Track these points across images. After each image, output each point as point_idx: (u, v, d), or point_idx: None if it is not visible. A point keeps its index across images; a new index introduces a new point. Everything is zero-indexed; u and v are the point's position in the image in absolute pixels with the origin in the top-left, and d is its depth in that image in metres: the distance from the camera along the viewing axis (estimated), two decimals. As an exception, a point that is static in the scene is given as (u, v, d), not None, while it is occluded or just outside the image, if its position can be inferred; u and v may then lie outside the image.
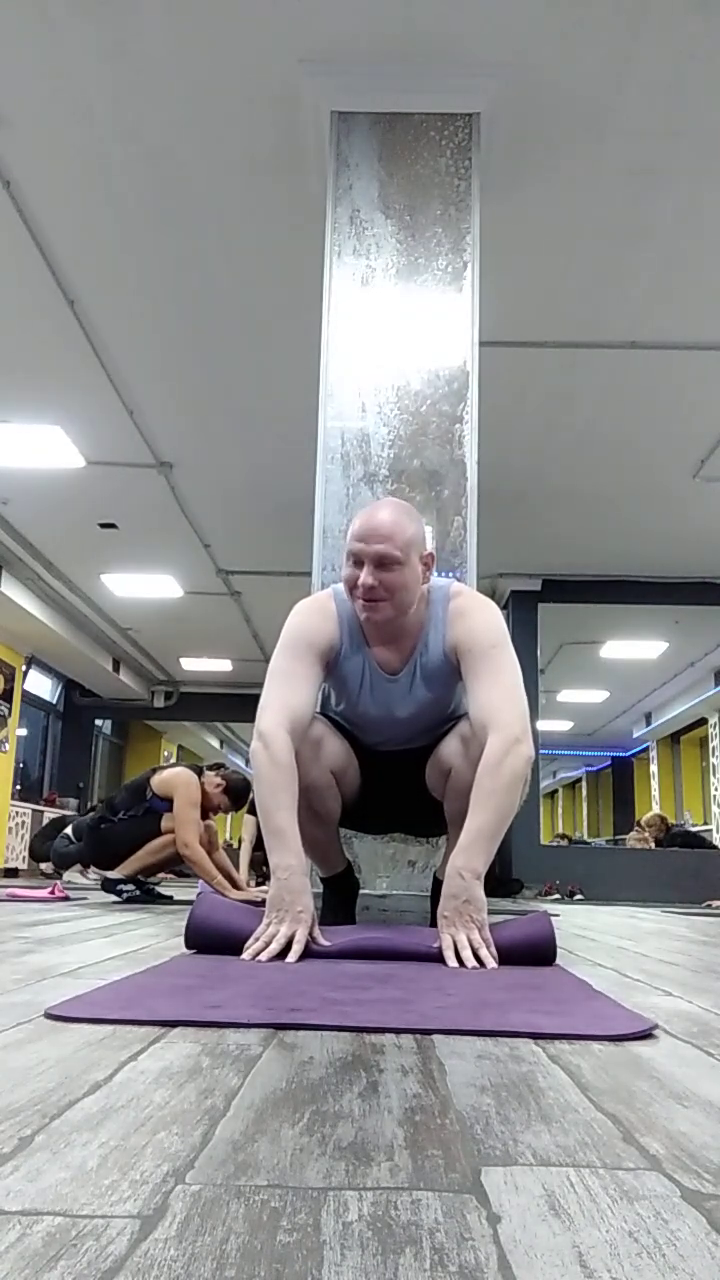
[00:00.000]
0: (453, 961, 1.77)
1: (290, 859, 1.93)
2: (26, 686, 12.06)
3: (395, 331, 3.31)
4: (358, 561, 2.10)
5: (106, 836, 4.61)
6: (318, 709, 2.30)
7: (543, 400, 5.88)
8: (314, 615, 2.22)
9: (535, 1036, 1.13)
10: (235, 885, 4.61)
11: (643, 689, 14.35)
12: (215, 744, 19.61)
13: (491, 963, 1.77)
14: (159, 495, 7.37)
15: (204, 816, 4.60)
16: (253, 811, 6.03)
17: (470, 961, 1.76)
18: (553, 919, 2.29)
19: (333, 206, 3.43)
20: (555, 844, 12.85)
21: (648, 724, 16.10)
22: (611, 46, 3.34)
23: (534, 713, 2.28)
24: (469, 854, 1.91)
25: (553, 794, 25.42)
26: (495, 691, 2.05)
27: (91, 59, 3.44)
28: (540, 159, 3.86)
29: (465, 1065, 0.97)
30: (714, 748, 14.26)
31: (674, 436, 6.34)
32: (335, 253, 3.39)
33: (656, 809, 15.74)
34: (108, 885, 4.50)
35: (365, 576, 2.08)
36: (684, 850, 9.57)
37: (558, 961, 1.92)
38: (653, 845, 9.80)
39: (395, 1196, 0.60)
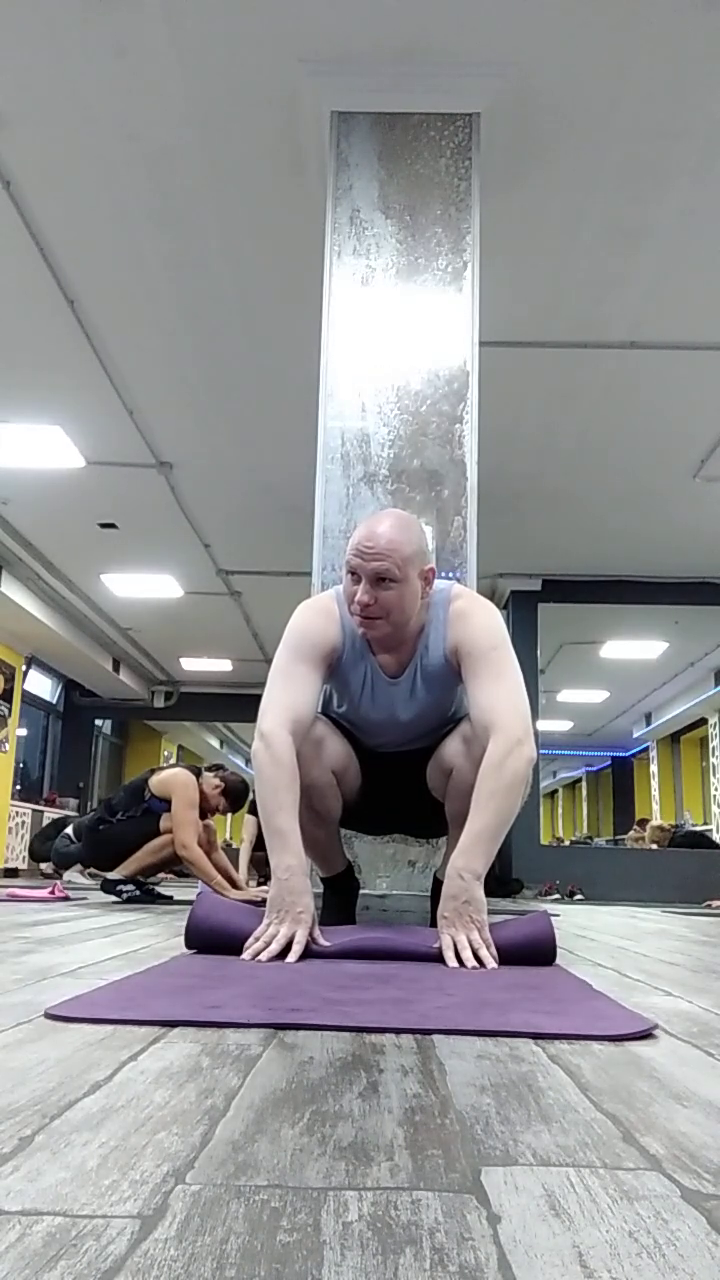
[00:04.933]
0: (453, 962, 1.77)
1: (291, 859, 1.93)
2: (26, 686, 12.06)
3: (395, 331, 3.31)
4: (355, 576, 2.09)
5: (105, 837, 4.61)
6: (319, 710, 2.30)
7: (543, 400, 5.88)
8: (317, 616, 2.22)
9: (535, 1036, 1.13)
10: (234, 885, 4.61)
11: (643, 689, 14.35)
12: (215, 744, 19.61)
13: (491, 963, 1.77)
14: (159, 495, 7.37)
15: (202, 817, 4.60)
16: (253, 811, 6.03)
17: (470, 962, 1.76)
18: (553, 919, 2.29)
19: (333, 206, 3.43)
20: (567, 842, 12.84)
21: (648, 724, 16.11)
22: (611, 46, 3.34)
23: (534, 713, 2.28)
24: (469, 855, 1.91)
25: (553, 794, 25.42)
26: (497, 693, 2.05)
27: (91, 59, 3.44)
28: (540, 159, 3.86)
29: (465, 1065, 0.97)
30: (714, 748, 14.26)
31: (674, 436, 6.34)
32: (335, 253, 3.38)
33: (656, 809, 15.77)
34: (107, 886, 4.50)
35: (362, 594, 2.06)
36: (684, 850, 9.58)
37: (558, 961, 1.92)
38: (654, 849, 9.80)
39: (395, 1196, 0.60)
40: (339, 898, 2.59)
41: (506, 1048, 1.07)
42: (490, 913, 1.92)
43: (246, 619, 10.78)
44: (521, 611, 9.17)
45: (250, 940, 1.83)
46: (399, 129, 3.46)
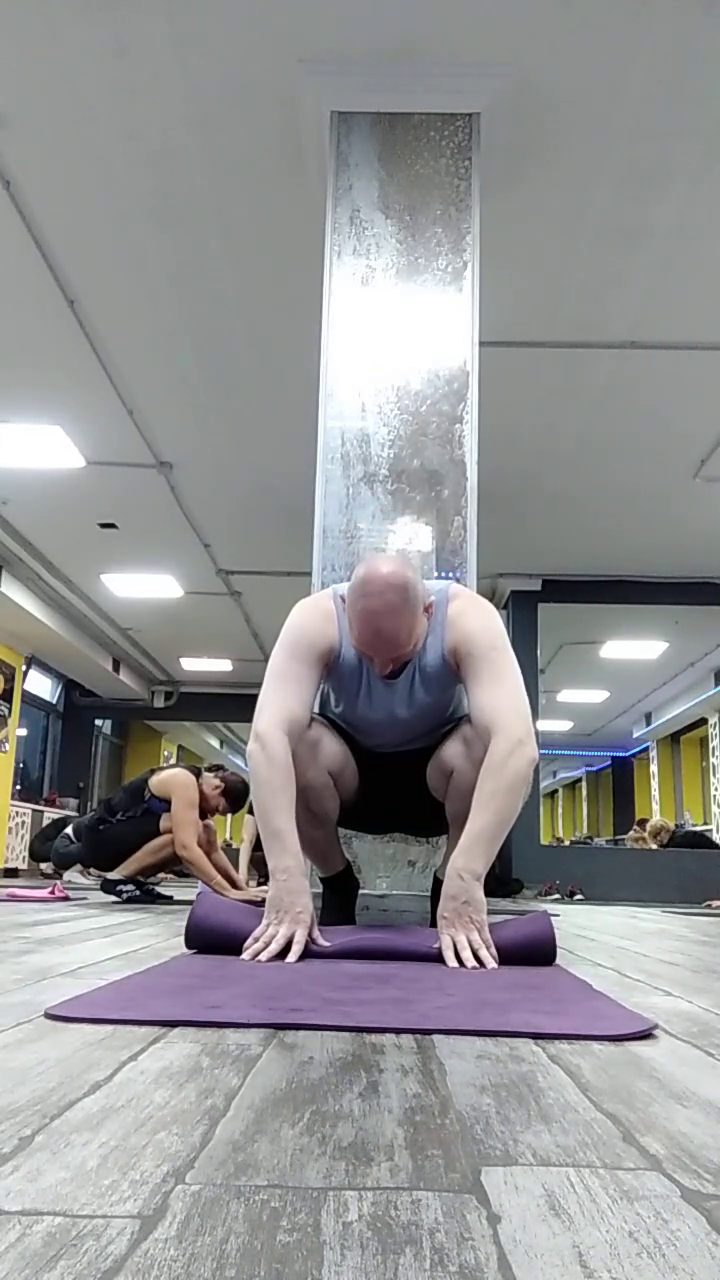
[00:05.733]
0: (452, 962, 1.77)
1: (289, 860, 1.93)
2: (26, 686, 12.06)
3: (395, 331, 3.31)
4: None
5: (105, 837, 4.60)
6: (316, 710, 2.30)
7: (543, 400, 5.88)
8: (314, 616, 2.21)
9: (535, 1036, 1.13)
10: (234, 885, 4.61)
11: (643, 689, 14.35)
12: (215, 744, 19.61)
13: (491, 963, 1.77)
14: (159, 495, 7.37)
15: (202, 817, 4.60)
16: (253, 812, 6.02)
17: (470, 962, 1.76)
18: (553, 919, 2.29)
19: (333, 206, 3.43)
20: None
21: (648, 724, 16.11)
22: (611, 46, 3.34)
23: (534, 713, 2.27)
24: (469, 855, 1.90)
25: (553, 794, 25.42)
26: (497, 694, 2.04)
27: (91, 59, 3.44)
28: (540, 159, 3.86)
29: (465, 1065, 0.97)
30: (714, 748, 14.26)
31: (674, 436, 6.34)
32: (335, 253, 3.39)
33: (656, 809, 15.77)
34: (107, 886, 4.50)
35: (380, 668, 2.13)
36: (684, 850, 9.58)
37: (558, 961, 1.91)
38: (655, 849, 9.80)
39: (395, 1196, 0.60)
40: (338, 897, 2.59)
41: (506, 1048, 1.07)
42: (490, 913, 1.92)
43: (246, 619, 10.78)
44: (521, 611, 9.17)
45: (249, 941, 1.83)
46: (399, 129, 3.46)
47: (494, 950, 1.80)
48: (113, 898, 4.44)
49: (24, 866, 10.94)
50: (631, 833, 11.21)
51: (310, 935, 1.84)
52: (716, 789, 14.11)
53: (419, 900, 2.87)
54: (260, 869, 6.36)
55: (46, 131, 3.79)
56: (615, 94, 3.54)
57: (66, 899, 4.53)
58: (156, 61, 3.44)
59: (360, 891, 2.72)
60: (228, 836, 15.20)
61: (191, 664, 13.30)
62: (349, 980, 1.52)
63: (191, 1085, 0.86)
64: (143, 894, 4.50)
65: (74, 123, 3.74)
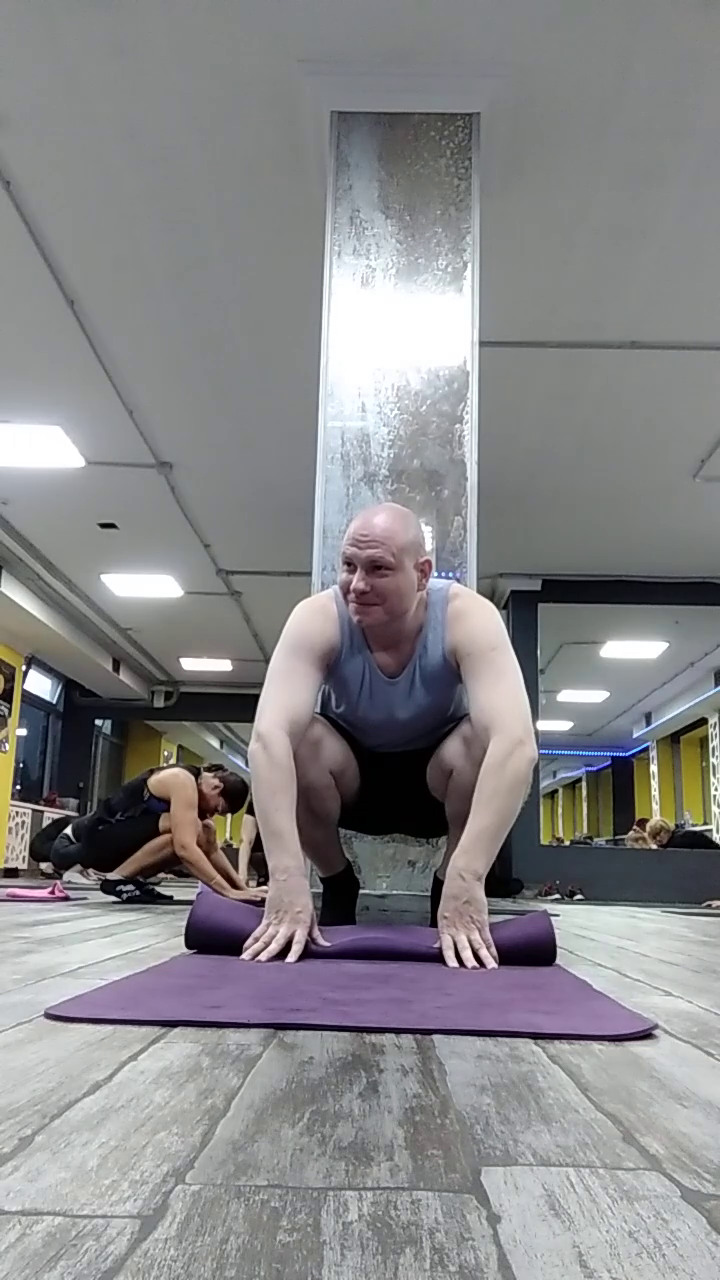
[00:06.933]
0: (453, 962, 1.77)
1: (289, 860, 1.93)
2: (26, 686, 12.06)
3: (395, 331, 3.31)
4: (350, 565, 2.09)
5: (104, 838, 4.60)
6: (317, 710, 2.30)
7: (543, 400, 5.88)
8: (315, 616, 2.22)
9: (535, 1036, 1.13)
10: (234, 885, 4.61)
11: (643, 689, 14.35)
12: (215, 744, 19.61)
13: (491, 963, 1.77)
14: (159, 495, 7.37)
15: (202, 817, 4.60)
16: (252, 812, 6.02)
17: (470, 962, 1.76)
18: (553, 919, 2.29)
19: (333, 206, 3.43)
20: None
21: (648, 724, 16.10)
22: (611, 46, 3.34)
23: (534, 713, 2.28)
24: (470, 855, 1.90)
25: (553, 794, 25.42)
26: (497, 693, 2.04)
27: (91, 59, 3.44)
28: (540, 159, 3.86)
29: (465, 1065, 0.97)
30: (714, 748, 14.26)
31: (674, 436, 6.34)
32: (335, 253, 3.39)
33: (656, 809, 15.77)
34: (107, 886, 4.50)
35: (357, 581, 2.07)
36: (684, 850, 9.58)
37: (558, 961, 1.91)
38: (655, 849, 9.80)
39: (395, 1196, 0.60)
40: (338, 897, 2.59)
41: (506, 1048, 1.07)
42: (490, 913, 1.92)
43: (246, 619, 10.78)
44: (521, 611, 9.17)
45: (249, 941, 1.83)
46: (399, 129, 3.46)
47: (494, 950, 1.80)
48: (113, 898, 4.44)
49: (24, 866, 10.94)
50: (631, 833, 11.21)
51: (310, 935, 1.84)
52: (716, 789, 14.11)
53: (419, 900, 2.87)
54: (260, 869, 6.36)
55: (46, 131, 3.79)
56: (615, 94, 3.54)
57: (66, 899, 4.53)
58: (156, 61, 3.44)
59: (360, 891, 2.72)
60: (228, 836, 15.20)
61: (191, 664, 13.31)
62: (349, 980, 1.52)
63: (191, 1085, 0.86)
64: (143, 894, 4.50)
65: (74, 123, 3.74)
